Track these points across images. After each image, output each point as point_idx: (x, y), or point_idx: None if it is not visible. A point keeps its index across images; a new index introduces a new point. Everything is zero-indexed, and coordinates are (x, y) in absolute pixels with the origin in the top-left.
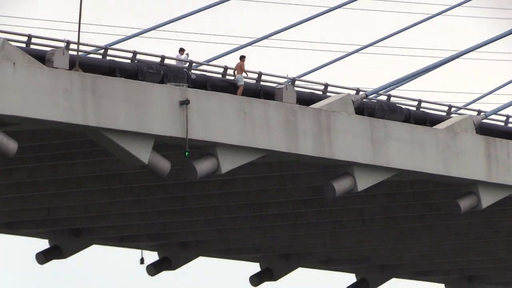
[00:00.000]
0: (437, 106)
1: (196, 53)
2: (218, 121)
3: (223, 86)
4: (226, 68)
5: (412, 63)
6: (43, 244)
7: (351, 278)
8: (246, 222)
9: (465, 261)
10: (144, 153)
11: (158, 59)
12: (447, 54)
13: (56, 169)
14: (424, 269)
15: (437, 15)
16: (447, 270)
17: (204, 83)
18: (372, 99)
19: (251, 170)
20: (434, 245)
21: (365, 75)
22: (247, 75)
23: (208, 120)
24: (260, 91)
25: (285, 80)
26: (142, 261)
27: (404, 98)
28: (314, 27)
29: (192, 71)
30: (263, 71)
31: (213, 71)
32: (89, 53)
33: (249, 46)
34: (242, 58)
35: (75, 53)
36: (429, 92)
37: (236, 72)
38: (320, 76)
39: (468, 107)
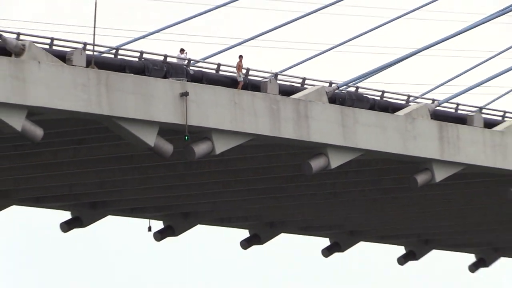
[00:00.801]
0: (398, 96)
1: (194, 52)
2: (213, 110)
3: (217, 80)
4: (219, 65)
5: (376, 59)
6: (65, 215)
7: (326, 241)
8: (237, 195)
9: (422, 227)
10: (150, 138)
11: (161, 58)
12: (406, 51)
13: (76, 152)
14: (387, 233)
15: (397, 18)
16: (407, 235)
17: (201, 78)
18: (343, 90)
19: (241, 151)
20: (396, 214)
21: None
22: (242, 73)
23: (205, 109)
24: (248, 84)
25: (269, 74)
26: (149, 229)
27: (370, 89)
28: (294, 29)
29: (191, 67)
30: (250, 67)
31: (208, 67)
32: (103, 53)
33: (239, 46)
34: (240, 57)
35: (91, 53)
36: (391, 84)
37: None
38: (299, 71)
39: (424, 96)
